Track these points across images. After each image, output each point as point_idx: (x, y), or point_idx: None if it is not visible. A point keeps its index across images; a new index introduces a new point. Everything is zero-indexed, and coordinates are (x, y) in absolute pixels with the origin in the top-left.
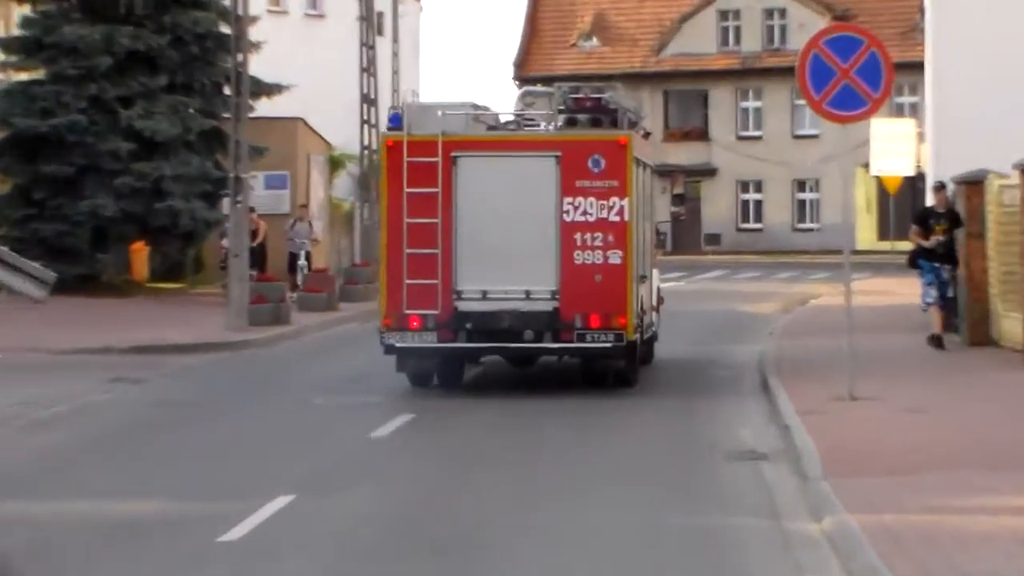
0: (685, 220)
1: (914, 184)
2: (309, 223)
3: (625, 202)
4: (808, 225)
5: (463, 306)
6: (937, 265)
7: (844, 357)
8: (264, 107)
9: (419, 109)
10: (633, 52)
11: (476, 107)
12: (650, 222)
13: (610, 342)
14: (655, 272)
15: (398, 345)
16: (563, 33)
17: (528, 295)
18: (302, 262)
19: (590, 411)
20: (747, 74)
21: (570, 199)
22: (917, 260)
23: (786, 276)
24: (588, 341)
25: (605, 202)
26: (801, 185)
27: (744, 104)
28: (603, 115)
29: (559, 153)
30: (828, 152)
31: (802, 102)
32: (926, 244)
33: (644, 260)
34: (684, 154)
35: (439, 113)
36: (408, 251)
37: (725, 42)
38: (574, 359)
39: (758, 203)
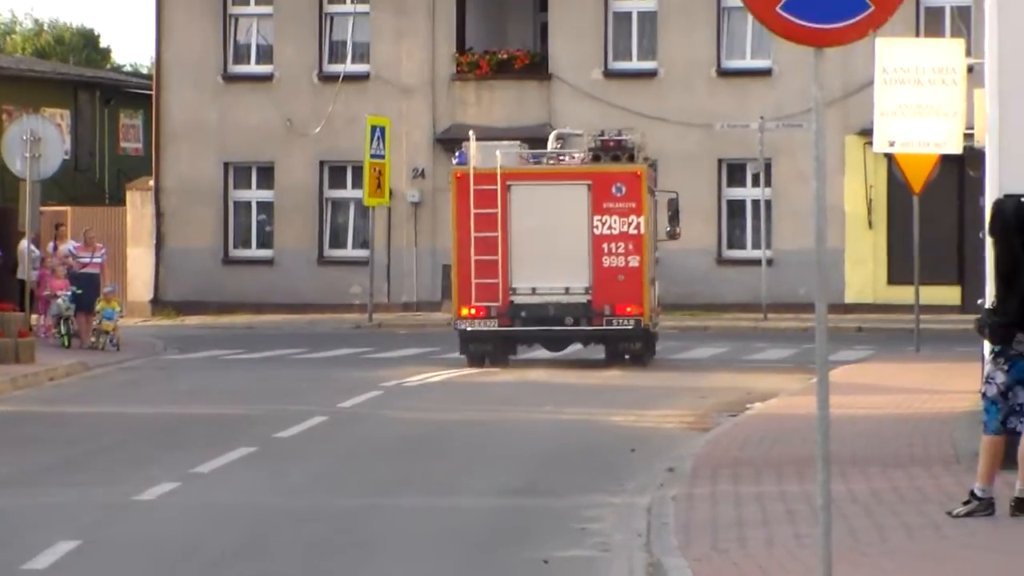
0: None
1: (962, 172)
2: None
3: (641, 219)
4: (747, 253)
5: (518, 299)
6: None
7: (816, 523)
8: None
9: (480, 148)
10: None
11: (521, 145)
12: (654, 240)
13: (631, 326)
14: (656, 282)
15: (468, 329)
16: None
17: (567, 291)
18: None
19: None
20: None
21: (599, 217)
22: (989, 328)
23: (706, 356)
24: (614, 325)
25: (626, 219)
26: (735, 173)
27: (618, 5)
28: (621, 152)
29: (590, 182)
30: (788, 106)
31: (738, 2)
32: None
33: (652, 268)
34: (498, 108)
35: (496, 152)
36: (475, 258)
37: None
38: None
39: None
